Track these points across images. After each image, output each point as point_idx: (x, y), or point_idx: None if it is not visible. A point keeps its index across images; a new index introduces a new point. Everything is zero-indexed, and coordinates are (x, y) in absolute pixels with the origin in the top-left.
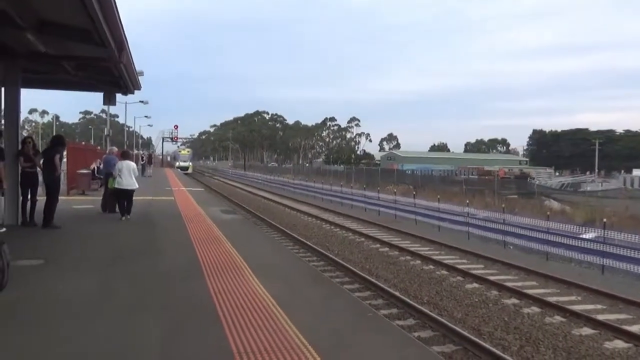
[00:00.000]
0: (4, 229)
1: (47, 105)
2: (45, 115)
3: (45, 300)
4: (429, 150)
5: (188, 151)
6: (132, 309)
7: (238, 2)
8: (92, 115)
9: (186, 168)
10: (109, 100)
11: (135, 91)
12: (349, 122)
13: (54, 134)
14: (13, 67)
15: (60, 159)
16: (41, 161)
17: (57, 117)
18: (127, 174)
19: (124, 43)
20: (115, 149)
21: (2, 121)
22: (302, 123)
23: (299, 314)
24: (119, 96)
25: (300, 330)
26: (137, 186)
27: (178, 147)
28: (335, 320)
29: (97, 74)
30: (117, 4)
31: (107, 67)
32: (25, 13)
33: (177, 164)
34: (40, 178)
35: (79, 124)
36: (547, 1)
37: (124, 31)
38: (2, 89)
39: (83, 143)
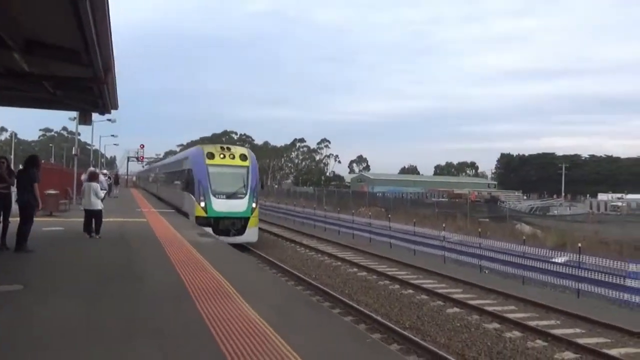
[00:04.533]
0: None
1: (5, 122)
2: (4, 132)
3: (31, 328)
4: (399, 173)
5: (245, 155)
6: (123, 336)
7: (201, 16)
8: (52, 133)
9: (242, 219)
10: (85, 119)
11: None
12: (318, 144)
13: (12, 152)
14: None
15: (39, 182)
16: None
17: (15, 135)
18: (88, 195)
19: (112, 64)
20: (91, 169)
21: None
22: (271, 144)
23: (295, 338)
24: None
25: (302, 356)
26: (100, 207)
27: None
28: (335, 345)
29: (76, 92)
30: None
31: (89, 86)
32: (15, 33)
33: (204, 201)
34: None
35: (38, 142)
36: (514, 26)
37: (113, 52)
38: None
39: (42, 161)
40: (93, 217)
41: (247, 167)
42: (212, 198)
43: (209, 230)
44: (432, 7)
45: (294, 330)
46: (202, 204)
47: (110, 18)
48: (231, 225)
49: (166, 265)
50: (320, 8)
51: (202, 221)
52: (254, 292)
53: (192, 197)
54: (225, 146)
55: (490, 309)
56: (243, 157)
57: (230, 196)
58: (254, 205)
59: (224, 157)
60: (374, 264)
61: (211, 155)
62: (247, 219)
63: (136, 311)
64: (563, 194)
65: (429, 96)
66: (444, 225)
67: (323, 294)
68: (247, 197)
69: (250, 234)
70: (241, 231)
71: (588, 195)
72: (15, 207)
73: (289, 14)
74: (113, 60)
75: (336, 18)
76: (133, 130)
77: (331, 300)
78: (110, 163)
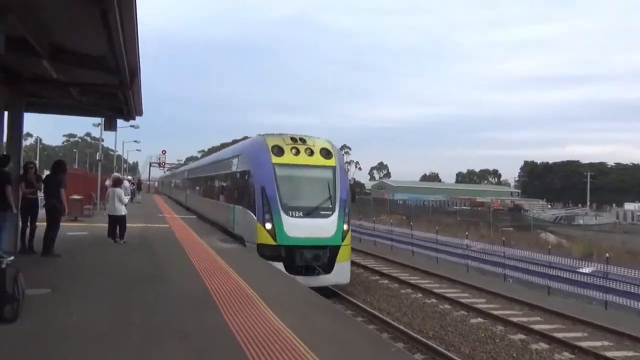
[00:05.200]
0: (12, 257)
1: (30, 127)
2: (29, 137)
3: (60, 331)
4: (420, 180)
5: (328, 149)
6: (149, 341)
7: (223, 24)
8: (76, 139)
9: (329, 248)
10: (110, 125)
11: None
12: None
13: (37, 157)
14: (18, 92)
15: (65, 188)
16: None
17: (39, 140)
18: (112, 201)
19: (138, 70)
20: (116, 175)
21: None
22: None
23: (320, 346)
24: None
25: None
26: (123, 213)
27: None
28: (360, 353)
29: (101, 99)
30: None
31: (114, 92)
32: (43, 40)
33: (271, 221)
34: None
35: (62, 147)
36: (537, 32)
37: (139, 57)
38: (6, 113)
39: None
40: (117, 223)
41: (334, 167)
42: (284, 216)
43: (279, 265)
44: (449, 13)
45: (318, 338)
46: (268, 225)
47: (138, 25)
48: (313, 258)
49: (190, 272)
50: (344, 14)
51: (267, 251)
52: (277, 300)
53: (251, 214)
54: (297, 136)
55: (515, 319)
56: (326, 153)
57: (310, 213)
58: (345, 227)
59: (298, 152)
60: (396, 271)
61: (279, 151)
62: (336, 249)
63: (162, 316)
64: (588, 203)
65: (450, 102)
66: (466, 233)
67: (344, 302)
68: (336, 214)
69: (340, 272)
70: (327, 268)
71: (614, 204)
72: (42, 211)
73: (305, 20)
74: (139, 65)
75: (352, 25)
76: (153, 136)
77: (353, 309)
78: (133, 169)
